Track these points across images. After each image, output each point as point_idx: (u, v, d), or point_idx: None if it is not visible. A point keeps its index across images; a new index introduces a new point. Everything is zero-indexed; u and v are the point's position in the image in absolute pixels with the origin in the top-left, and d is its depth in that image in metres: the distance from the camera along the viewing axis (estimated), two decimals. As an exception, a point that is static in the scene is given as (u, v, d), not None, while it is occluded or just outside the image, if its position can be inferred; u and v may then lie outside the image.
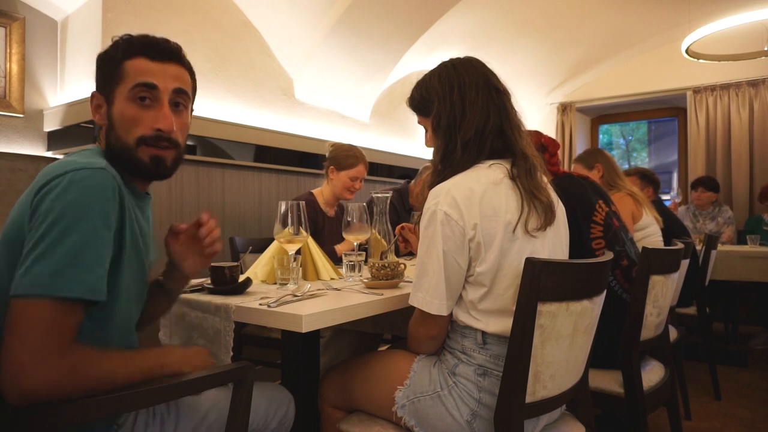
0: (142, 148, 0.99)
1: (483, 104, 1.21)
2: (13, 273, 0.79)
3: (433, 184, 1.21)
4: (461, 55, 1.31)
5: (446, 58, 1.31)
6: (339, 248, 2.26)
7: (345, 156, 2.46)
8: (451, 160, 1.21)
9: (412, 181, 3.01)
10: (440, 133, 1.24)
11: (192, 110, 1.12)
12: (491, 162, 1.20)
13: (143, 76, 0.98)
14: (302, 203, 1.42)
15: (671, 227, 2.89)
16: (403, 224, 1.87)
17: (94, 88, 1.04)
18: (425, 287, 1.14)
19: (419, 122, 1.34)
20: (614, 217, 1.69)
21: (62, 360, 0.76)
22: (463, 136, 1.20)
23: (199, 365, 0.96)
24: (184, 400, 1.05)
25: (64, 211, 0.79)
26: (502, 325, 1.12)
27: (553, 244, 1.21)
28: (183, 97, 1.04)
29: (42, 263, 0.76)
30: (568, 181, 1.70)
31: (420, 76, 1.34)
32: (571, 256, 1.31)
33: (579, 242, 1.59)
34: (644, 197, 2.67)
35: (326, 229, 2.46)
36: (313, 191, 2.53)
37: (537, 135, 1.80)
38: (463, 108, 1.21)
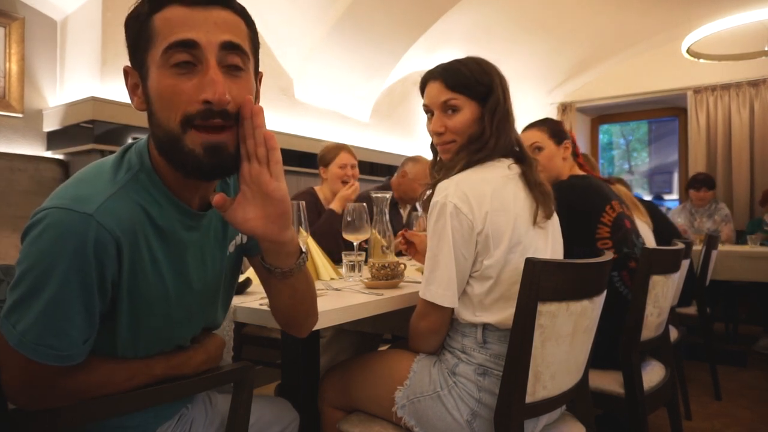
0: (190, 133, 0.74)
1: (509, 103, 1.27)
2: None
3: (449, 169, 1.23)
4: (463, 55, 1.32)
5: (447, 58, 1.32)
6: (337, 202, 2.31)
7: (327, 151, 2.57)
8: (477, 150, 1.23)
9: (393, 177, 2.99)
10: (484, 121, 1.23)
11: (259, 75, 0.85)
12: (498, 158, 1.23)
13: (178, 31, 0.72)
14: (302, 203, 1.42)
15: (662, 230, 2.84)
16: (406, 230, 1.92)
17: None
18: (438, 280, 1.14)
19: (450, 100, 1.25)
20: (627, 219, 1.71)
21: (47, 392, 0.74)
22: (506, 133, 1.24)
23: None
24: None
25: (37, 259, 0.70)
26: (506, 313, 1.12)
27: (553, 239, 1.25)
28: (238, 55, 0.76)
29: (17, 313, 0.71)
30: (581, 181, 1.75)
31: (420, 76, 1.34)
32: (579, 255, 1.31)
33: (585, 242, 1.62)
34: (633, 200, 2.63)
35: None
36: (314, 187, 2.60)
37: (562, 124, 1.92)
38: (511, 110, 1.27)
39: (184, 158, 0.75)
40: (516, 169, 1.23)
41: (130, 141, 0.88)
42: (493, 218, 1.13)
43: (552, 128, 1.88)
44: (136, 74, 0.79)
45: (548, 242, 1.22)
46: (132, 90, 0.80)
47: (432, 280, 1.15)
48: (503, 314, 1.13)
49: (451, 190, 1.15)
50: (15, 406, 0.75)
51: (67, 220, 0.71)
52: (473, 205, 1.13)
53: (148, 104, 0.77)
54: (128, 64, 0.81)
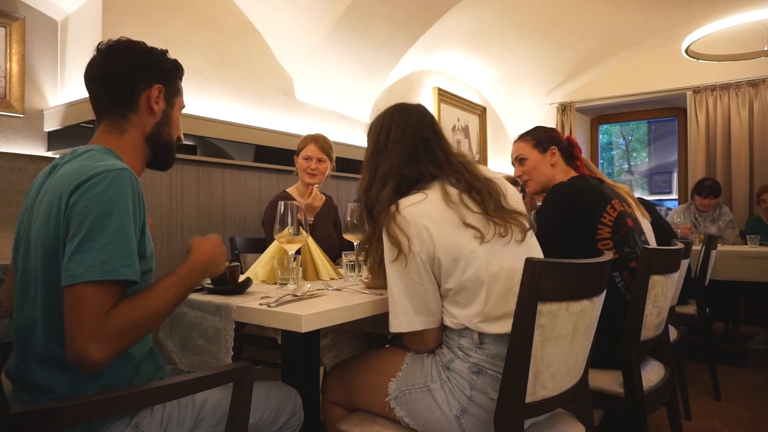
0: None
1: (407, 142, 1.30)
2: (48, 265, 0.92)
3: (360, 214, 1.31)
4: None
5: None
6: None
7: (300, 141, 2.59)
8: (369, 191, 1.28)
9: None
10: (364, 164, 1.36)
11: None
12: (426, 188, 1.23)
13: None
14: (302, 205, 1.43)
15: (659, 231, 2.80)
16: None
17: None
18: (396, 312, 1.17)
19: None
20: (628, 217, 1.71)
21: (113, 330, 0.86)
22: (380, 170, 1.29)
23: (223, 260, 1.15)
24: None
25: (104, 207, 0.91)
26: (497, 326, 1.13)
27: (516, 249, 1.20)
28: None
29: (92, 253, 0.87)
30: (582, 182, 1.76)
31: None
32: (577, 256, 1.31)
33: (585, 242, 1.62)
34: (629, 193, 2.57)
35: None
36: (287, 189, 2.62)
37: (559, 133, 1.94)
38: (387, 144, 1.32)
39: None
40: (444, 190, 1.20)
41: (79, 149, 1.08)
42: (441, 246, 1.14)
43: (536, 137, 1.90)
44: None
45: (513, 257, 1.17)
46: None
47: (396, 314, 1.18)
48: (495, 327, 1.14)
49: (399, 226, 1.16)
50: (92, 363, 0.83)
51: (121, 174, 0.95)
52: (414, 240, 1.14)
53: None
54: None
